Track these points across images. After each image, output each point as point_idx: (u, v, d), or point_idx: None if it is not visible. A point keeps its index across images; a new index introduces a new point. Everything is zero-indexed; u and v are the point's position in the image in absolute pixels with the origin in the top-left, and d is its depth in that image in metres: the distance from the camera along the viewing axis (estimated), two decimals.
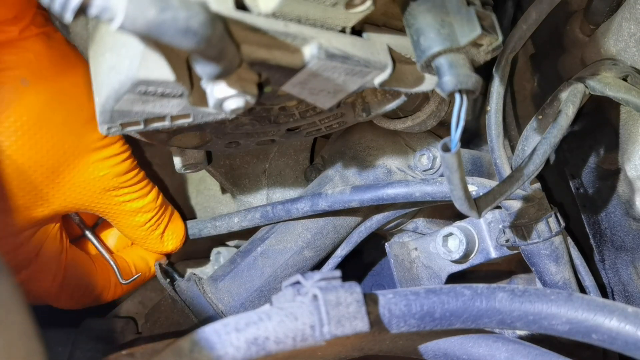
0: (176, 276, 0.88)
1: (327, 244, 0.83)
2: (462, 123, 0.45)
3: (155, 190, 0.77)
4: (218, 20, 0.37)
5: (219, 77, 0.41)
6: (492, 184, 0.70)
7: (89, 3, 0.32)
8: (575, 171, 0.81)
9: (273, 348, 0.44)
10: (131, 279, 0.83)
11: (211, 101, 0.43)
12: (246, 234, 0.87)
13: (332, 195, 0.76)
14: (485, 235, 0.77)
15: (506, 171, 0.72)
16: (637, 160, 0.70)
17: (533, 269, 0.74)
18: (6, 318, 0.27)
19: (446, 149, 0.46)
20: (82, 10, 0.32)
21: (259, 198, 0.93)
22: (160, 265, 0.87)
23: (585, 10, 0.72)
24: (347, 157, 0.83)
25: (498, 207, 0.74)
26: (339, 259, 0.84)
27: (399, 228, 0.87)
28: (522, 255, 0.74)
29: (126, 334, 0.94)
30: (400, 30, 0.52)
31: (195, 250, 1.02)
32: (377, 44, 0.50)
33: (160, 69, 0.43)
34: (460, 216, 0.77)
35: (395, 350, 0.56)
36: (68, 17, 0.32)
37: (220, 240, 1.00)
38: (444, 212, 0.87)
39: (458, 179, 0.48)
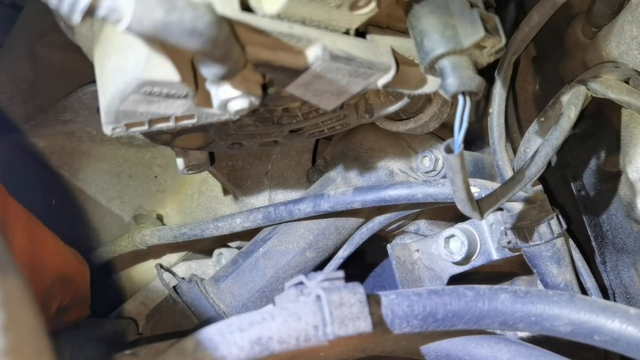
0: (177, 277, 0.88)
1: (329, 245, 0.83)
2: (465, 125, 0.45)
3: None
4: (224, 22, 0.37)
5: (224, 78, 0.41)
6: (494, 185, 0.70)
7: (97, 4, 0.32)
8: (576, 173, 0.81)
9: (276, 348, 0.44)
10: None
11: (216, 102, 0.44)
12: (248, 235, 0.87)
13: (334, 196, 0.76)
14: (487, 236, 0.77)
15: (508, 173, 0.72)
16: (639, 163, 0.70)
17: (535, 271, 0.74)
18: (16, 316, 0.27)
19: (449, 150, 0.46)
20: (90, 12, 0.32)
21: (261, 199, 0.94)
22: (161, 266, 0.87)
23: (587, 12, 0.72)
24: (349, 158, 0.83)
25: (500, 209, 0.74)
26: (341, 260, 0.84)
27: (401, 229, 0.87)
28: (524, 257, 0.75)
29: (127, 334, 0.94)
30: (403, 32, 0.52)
31: (198, 251, 1.02)
32: (380, 46, 0.50)
33: (165, 70, 0.43)
34: (462, 218, 0.77)
35: (398, 350, 0.56)
36: (76, 18, 0.32)
37: (223, 241, 1.00)
38: (445, 213, 0.87)
39: (461, 181, 0.48)
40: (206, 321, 0.80)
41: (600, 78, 0.67)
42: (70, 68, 0.90)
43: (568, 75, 0.79)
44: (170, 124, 0.50)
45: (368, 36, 0.50)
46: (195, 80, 0.46)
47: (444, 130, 0.82)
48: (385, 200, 0.73)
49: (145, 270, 1.03)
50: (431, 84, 0.55)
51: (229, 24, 0.40)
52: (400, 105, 0.62)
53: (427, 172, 0.79)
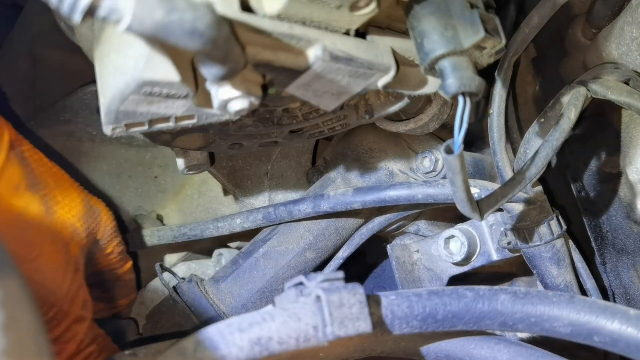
0: (177, 277, 0.88)
1: (329, 246, 0.83)
2: (465, 125, 0.45)
3: None
4: (224, 22, 0.37)
5: (224, 78, 0.41)
6: (494, 186, 0.70)
7: (98, 4, 0.32)
8: (576, 174, 0.81)
9: (276, 348, 0.44)
10: None
11: (216, 102, 0.44)
12: (248, 235, 0.87)
13: (334, 197, 0.76)
14: (487, 237, 0.77)
15: (508, 174, 0.72)
16: (639, 164, 0.70)
17: (534, 272, 0.74)
18: (16, 316, 0.27)
19: (449, 151, 0.46)
20: (90, 12, 0.32)
21: (261, 199, 0.94)
22: (161, 266, 0.87)
23: (587, 13, 0.72)
24: (349, 159, 0.83)
25: (500, 210, 0.74)
26: (341, 261, 0.84)
27: (400, 230, 0.87)
28: (524, 257, 0.75)
29: (127, 334, 0.94)
30: (404, 33, 0.52)
31: (197, 251, 1.02)
32: (380, 47, 0.50)
33: (165, 70, 0.43)
34: (462, 218, 0.77)
35: (398, 351, 0.56)
36: (77, 18, 0.32)
37: (222, 241, 1.00)
38: (445, 214, 0.87)
39: (461, 181, 0.48)
40: (206, 321, 0.80)
41: (600, 79, 0.67)
42: (70, 68, 0.90)
43: (568, 76, 0.79)
44: (170, 124, 0.50)
45: (368, 37, 0.50)
46: (195, 81, 0.46)
47: (444, 131, 0.82)
48: (385, 201, 0.73)
49: (145, 270, 1.03)
50: (431, 85, 0.55)
51: (229, 24, 0.40)
52: (400, 106, 0.62)
53: (427, 173, 0.79)
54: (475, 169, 0.83)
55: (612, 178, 0.74)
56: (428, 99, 0.73)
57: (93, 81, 0.49)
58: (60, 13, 0.34)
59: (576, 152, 0.80)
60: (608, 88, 0.65)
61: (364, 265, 0.98)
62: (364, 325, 0.45)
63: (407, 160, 0.81)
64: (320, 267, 0.86)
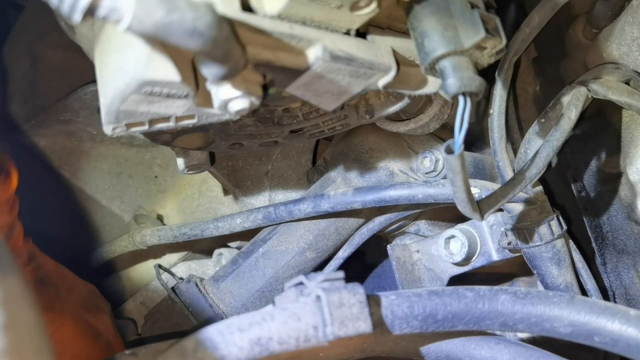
0: (176, 278, 0.88)
1: (329, 246, 0.83)
2: (465, 125, 0.45)
3: None
4: (224, 22, 0.37)
5: (225, 78, 0.41)
6: (495, 186, 0.70)
7: (98, 4, 0.32)
8: (577, 174, 0.81)
9: (276, 348, 0.44)
10: None
11: (216, 102, 0.44)
12: (248, 235, 0.87)
13: (334, 197, 0.76)
14: (487, 237, 0.77)
15: (508, 174, 0.72)
16: (639, 164, 0.70)
17: (535, 272, 0.74)
18: (16, 316, 0.27)
19: (449, 151, 0.46)
20: (90, 11, 0.32)
21: (261, 199, 0.94)
22: (160, 266, 0.87)
23: (588, 14, 0.72)
24: (349, 159, 0.83)
25: (500, 210, 0.74)
26: (341, 261, 0.84)
27: (401, 230, 0.87)
28: (524, 258, 0.75)
29: (126, 334, 0.94)
30: (404, 33, 0.52)
31: (198, 251, 1.02)
32: (381, 47, 0.50)
33: (166, 70, 0.43)
34: (462, 218, 0.77)
35: (398, 351, 0.56)
36: (77, 17, 0.32)
37: (222, 241, 1.00)
38: (445, 214, 0.87)
39: (461, 181, 0.48)
40: (205, 321, 0.80)
41: (601, 79, 0.67)
42: (70, 68, 0.90)
43: (569, 76, 0.79)
44: (171, 124, 0.50)
45: (369, 37, 0.50)
46: (195, 80, 0.46)
47: (445, 131, 0.82)
48: (385, 201, 0.73)
49: (145, 270, 1.03)
50: (432, 85, 0.55)
51: (230, 24, 0.40)
52: (400, 106, 0.62)
53: (427, 173, 0.79)
54: (476, 169, 0.83)
55: (612, 178, 0.74)
56: (428, 99, 0.73)
57: (93, 81, 0.49)
58: (60, 13, 0.34)
59: (577, 152, 0.80)
60: (609, 88, 0.65)
61: (364, 265, 0.98)
62: (364, 325, 0.45)
63: (407, 160, 0.81)
64: (320, 267, 0.86)
